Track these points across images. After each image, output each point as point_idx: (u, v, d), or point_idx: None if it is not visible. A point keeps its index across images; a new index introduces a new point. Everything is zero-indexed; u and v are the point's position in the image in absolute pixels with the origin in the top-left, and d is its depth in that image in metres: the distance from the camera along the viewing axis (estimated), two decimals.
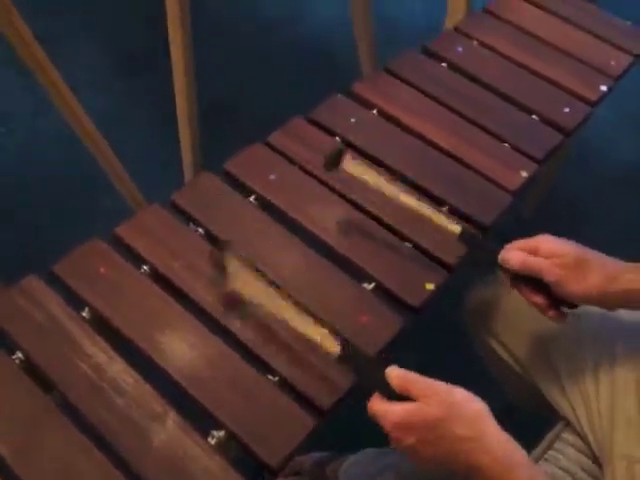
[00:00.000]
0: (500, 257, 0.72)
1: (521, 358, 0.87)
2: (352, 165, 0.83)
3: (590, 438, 0.77)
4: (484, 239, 0.84)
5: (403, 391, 0.60)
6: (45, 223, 1.51)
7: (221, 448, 0.68)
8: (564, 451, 0.81)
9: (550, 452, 0.81)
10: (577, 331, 0.83)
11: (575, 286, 0.68)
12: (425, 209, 0.81)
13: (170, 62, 1.15)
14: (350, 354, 0.67)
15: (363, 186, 0.84)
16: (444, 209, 0.90)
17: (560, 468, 0.79)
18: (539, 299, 0.71)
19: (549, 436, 0.83)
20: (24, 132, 1.70)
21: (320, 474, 1.07)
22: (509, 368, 0.88)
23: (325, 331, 0.69)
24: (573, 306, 0.73)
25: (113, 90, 1.83)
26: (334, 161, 0.83)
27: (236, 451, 0.69)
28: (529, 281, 0.72)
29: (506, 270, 0.73)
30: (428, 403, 0.58)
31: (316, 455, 1.09)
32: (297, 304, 0.72)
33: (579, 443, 0.81)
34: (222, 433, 0.69)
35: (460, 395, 0.59)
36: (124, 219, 0.86)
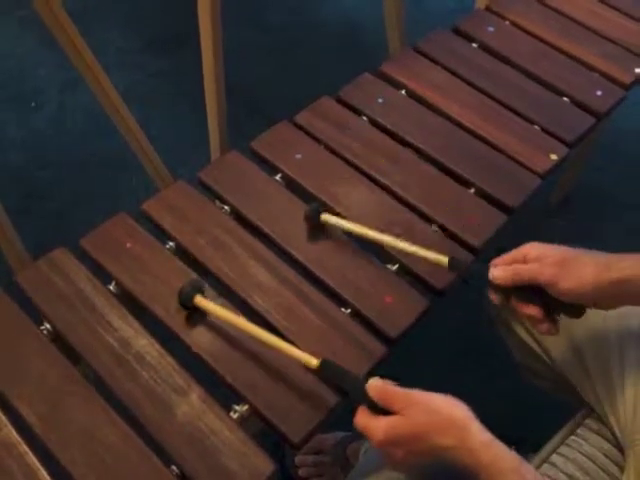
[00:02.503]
0: (490, 275, 0.69)
1: (544, 342, 0.86)
2: (331, 220, 0.82)
3: (613, 423, 0.77)
4: (471, 263, 0.81)
5: (384, 404, 0.59)
6: (73, 198, 1.52)
7: (243, 423, 0.69)
8: (587, 437, 0.80)
9: (572, 437, 0.80)
10: (603, 316, 0.82)
11: (569, 282, 0.65)
12: (412, 249, 0.77)
13: (200, 42, 1.15)
14: (327, 371, 0.66)
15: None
16: (471, 191, 0.90)
17: (581, 453, 0.78)
18: (534, 310, 0.68)
19: (571, 422, 0.83)
20: (53, 107, 1.72)
21: (341, 454, 1.07)
22: (532, 352, 0.87)
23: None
24: (577, 315, 0.70)
25: (143, 69, 1.83)
26: (315, 222, 0.83)
27: (258, 426, 0.70)
28: (521, 295, 0.69)
29: (498, 288, 0.69)
30: (409, 415, 0.57)
31: (338, 435, 1.09)
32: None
33: (602, 429, 0.80)
34: (244, 408, 0.69)
35: (440, 403, 0.58)
36: (151, 196, 0.87)
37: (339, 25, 2.02)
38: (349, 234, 0.83)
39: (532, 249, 0.69)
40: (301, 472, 1.08)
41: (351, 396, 0.64)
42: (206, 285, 0.77)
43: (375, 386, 0.60)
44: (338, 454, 1.07)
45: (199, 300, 0.74)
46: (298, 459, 1.08)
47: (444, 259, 0.74)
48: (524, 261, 0.69)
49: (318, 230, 0.84)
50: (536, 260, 0.67)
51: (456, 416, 0.56)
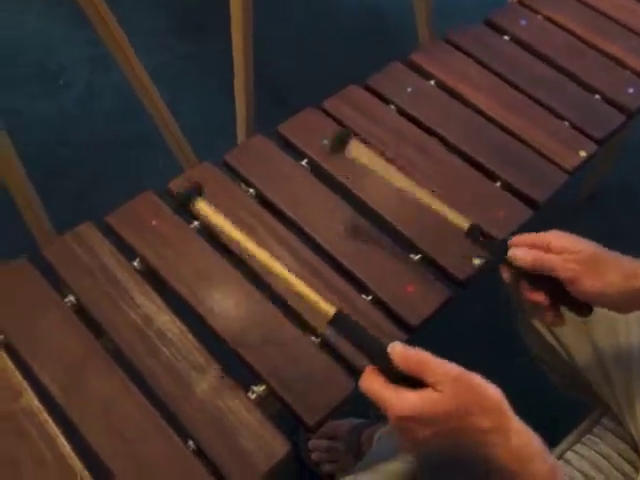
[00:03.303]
0: (511, 253, 0.68)
1: (564, 339, 0.86)
2: (359, 149, 0.78)
3: (630, 423, 0.76)
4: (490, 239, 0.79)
5: (409, 371, 0.53)
6: (100, 176, 1.54)
7: (261, 403, 0.69)
8: (602, 436, 0.80)
9: (588, 436, 0.80)
10: (625, 319, 0.81)
11: (591, 283, 0.64)
12: (434, 201, 0.76)
13: (230, 27, 1.15)
14: (341, 324, 0.60)
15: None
16: (497, 184, 0.90)
17: (597, 452, 0.78)
18: (541, 298, 0.67)
19: (587, 421, 0.82)
20: (82, 86, 1.73)
21: (355, 441, 1.08)
22: (552, 349, 0.87)
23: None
24: (583, 314, 0.69)
25: (172, 51, 1.84)
26: (340, 143, 0.77)
27: (275, 407, 0.70)
28: (533, 280, 0.68)
29: (512, 266, 0.68)
30: (447, 391, 0.52)
31: (353, 421, 1.10)
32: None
33: (619, 429, 0.80)
34: (262, 388, 0.70)
35: (478, 381, 0.53)
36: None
37: (363, 15, 2.02)
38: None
39: (557, 239, 0.67)
40: (314, 456, 1.09)
41: (366, 355, 0.57)
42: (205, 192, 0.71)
43: (402, 351, 0.54)
44: (352, 441, 1.08)
45: (200, 205, 0.68)
46: (312, 443, 1.09)
47: (464, 224, 0.73)
48: (547, 249, 0.67)
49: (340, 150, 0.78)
50: (560, 252, 0.66)
51: (494, 397, 0.53)
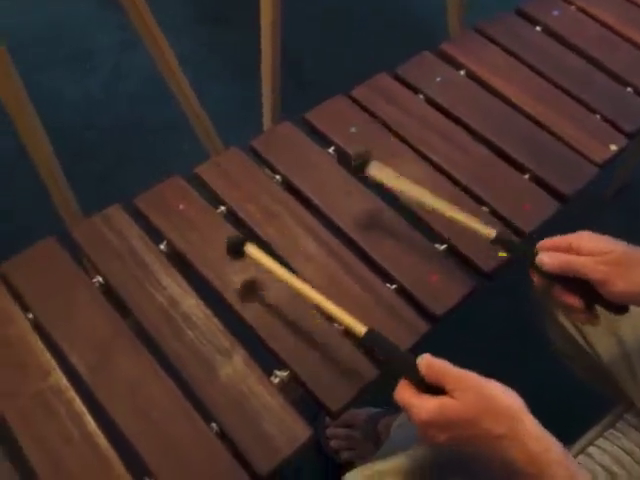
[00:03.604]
0: (538, 259, 0.67)
1: (589, 335, 0.85)
2: (379, 171, 0.79)
3: None
4: (519, 242, 0.78)
5: (434, 382, 0.56)
6: (126, 160, 1.55)
7: (283, 388, 0.69)
8: (626, 432, 0.79)
9: (611, 431, 0.79)
10: None
11: (622, 283, 0.63)
12: (458, 214, 0.75)
13: (256, 13, 1.15)
14: (373, 341, 0.64)
15: None
16: (526, 176, 0.89)
17: (619, 447, 0.78)
18: (576, 301, 0.67)
19: (610, 416, 0.82)
20: (108, 70, 1.74)
21: (371, 429, 1.08)
22: (577, 344, 0.86)
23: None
24: (619, 312, 0.68)
25: (198, 36, 1.84)
26: (361, 166, 0.79)
27: (297, 392, 0.71)
28: (563, 282, 0.67)
29: (541, 272, 0.68)
30: (462, 398, 0.54)
31: (370, 410, 1.10)
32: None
33: None
34: (285, 373, 0.70)
35: (495, 390, 0.55)
36: (202, 162, 0.88)
37: (394, 4, 2.00)
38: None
39: (586, 241, 0.66)
40: (332, 444, 1.09)
41: (396, 370, 0.60)
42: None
43: (428, 362, 0.57)
44: (368, 430, 1.08)
45: (250, 248, 0.72)
46: (330, 431, 1.10)
47: (491, 232, 0.73)
48: (576, 251, 0.66)
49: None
50: (589, 253, 0.65)
51: (510, 405, 0.54)
